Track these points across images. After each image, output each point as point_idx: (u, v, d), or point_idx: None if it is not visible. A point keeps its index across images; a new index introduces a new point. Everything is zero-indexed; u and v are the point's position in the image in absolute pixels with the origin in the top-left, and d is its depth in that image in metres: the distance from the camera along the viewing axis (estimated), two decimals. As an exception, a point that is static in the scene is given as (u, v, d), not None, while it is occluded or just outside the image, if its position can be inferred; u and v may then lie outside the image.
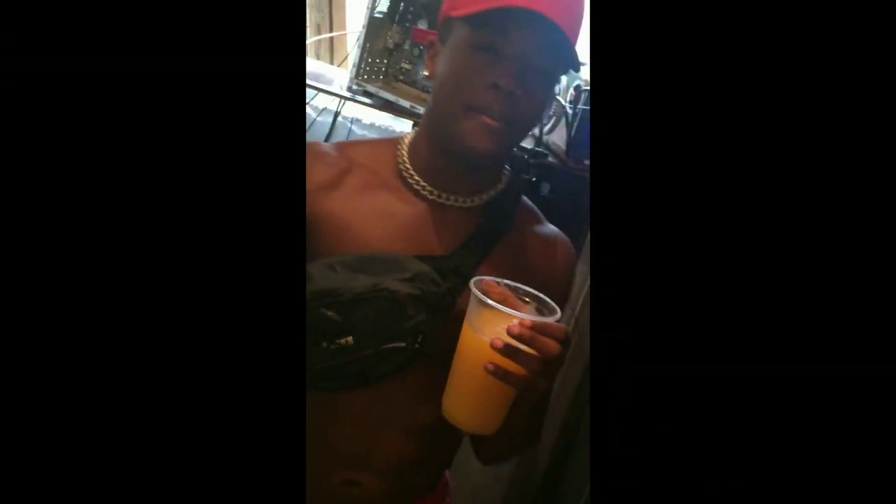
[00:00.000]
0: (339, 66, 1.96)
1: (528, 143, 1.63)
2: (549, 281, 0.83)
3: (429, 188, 0.84)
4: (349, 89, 1.63)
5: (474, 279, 0.71)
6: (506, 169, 0.90)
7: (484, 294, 0.69)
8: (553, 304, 0.73)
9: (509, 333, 0.64)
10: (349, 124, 2.09)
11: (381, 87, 1.60)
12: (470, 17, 0.72)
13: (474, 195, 0.86)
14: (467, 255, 0.82)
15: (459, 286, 0.80)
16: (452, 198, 0.85)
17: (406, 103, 1.57)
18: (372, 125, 2.10)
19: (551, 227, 0.93)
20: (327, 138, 1.96)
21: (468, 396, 0.74)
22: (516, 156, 1.59)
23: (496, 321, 0.67)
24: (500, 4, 0.70)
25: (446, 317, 0.79)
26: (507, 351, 0.65)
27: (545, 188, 1.70)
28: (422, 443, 0.86)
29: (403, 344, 0.76)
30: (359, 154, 0.87)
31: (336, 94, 1.68)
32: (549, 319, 0.68)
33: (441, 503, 1.02)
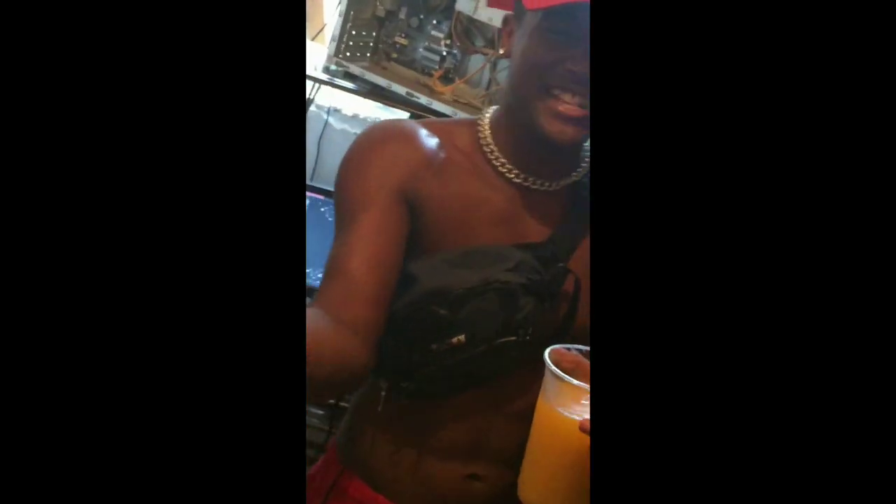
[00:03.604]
0: (312, 39, 1.96)
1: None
2: None
3: (515, 171, 0.96)
4: (326, 70, 1.63)
5: (548, 349, 0.79)
6: (585, 150, 1.03)
7: (556, 364, 0.77)
8: None
9: None
10: (325, 115, 2.02)
11: (367, 68, 1.60)
12: (548, 9, 0.90)
13: (559, 178, 0.98)
14: (562, 242, 0.97)
15: (560, 274, 0.94)
16: (539, 182, 0.97)
17: (401, 89, 1.55)
18: (355, 117, 2.04)
19: None
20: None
21: (553, 477, 0.80)
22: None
23: (580, 396, 0.74)
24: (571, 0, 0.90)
25: (552, 305, 0.93)
26: None
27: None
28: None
29: (515, 337, 0.89)
30: (443, 136, 1.00)
31: (309, 76, 1.64)
32: None
33: None
